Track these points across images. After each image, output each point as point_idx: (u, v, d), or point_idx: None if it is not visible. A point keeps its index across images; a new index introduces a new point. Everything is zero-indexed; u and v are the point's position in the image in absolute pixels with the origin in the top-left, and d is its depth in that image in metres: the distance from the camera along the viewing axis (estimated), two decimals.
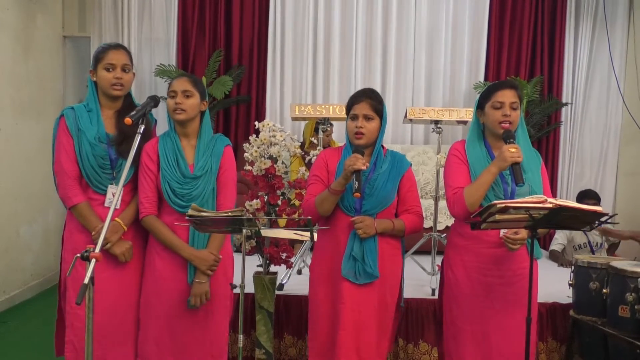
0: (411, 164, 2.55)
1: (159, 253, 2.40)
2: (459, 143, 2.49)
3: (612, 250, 4.62)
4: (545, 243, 5.14)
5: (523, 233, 2.26)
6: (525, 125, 5.42)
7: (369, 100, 2.41)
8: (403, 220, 2.46)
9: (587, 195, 4.55)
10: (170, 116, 2.41)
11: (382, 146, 2.52)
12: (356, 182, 2.27)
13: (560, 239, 4.59)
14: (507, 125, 2.32)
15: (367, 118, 2.40)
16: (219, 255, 2.39)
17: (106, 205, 2.36)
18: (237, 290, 2.20)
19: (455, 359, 2.45)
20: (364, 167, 2.28)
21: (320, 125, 4.01)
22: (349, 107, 2.47)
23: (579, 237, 4.50)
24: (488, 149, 2.41)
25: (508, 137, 2.30)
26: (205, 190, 2.38)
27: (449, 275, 2.47)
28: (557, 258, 4.50)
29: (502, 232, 2.33)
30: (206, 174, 2.39)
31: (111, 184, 2.38)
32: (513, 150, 2.23)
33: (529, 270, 2.16)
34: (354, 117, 2.42)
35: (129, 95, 2.49)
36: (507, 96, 2.32)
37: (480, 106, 2.42)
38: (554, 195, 5.50)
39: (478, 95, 2.46)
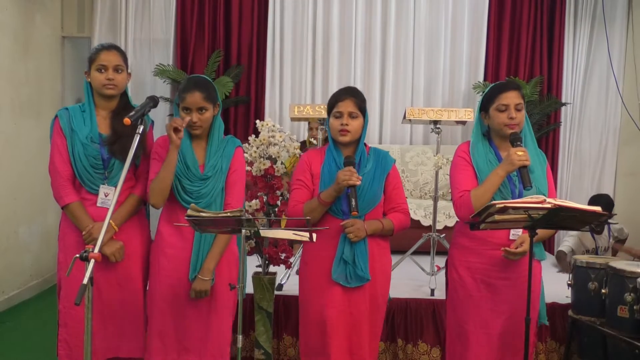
0: (395, 161, 2.53)
1: (164, 250, 2.41)
2: (465, 144, 2.47)
3: (614, 251, 4.60)
4: (551, 246, 5.13)
5: (526, 245, 2.25)
6: None
7: (353, 99, 2.41)
8: (391, 220, 2.44)
9: (596, 201, 4.47)
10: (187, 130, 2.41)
11: (365, 144, 2.51)
12: (353, 200, 2.26)
13: (570, 241, 4.50)
14: (515, 126, 2.32)
15: (351, 116, 2.39)
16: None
17: (98, 205, 2.36)
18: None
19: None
20: (358, 182, 2.28)
21: (320, 125, 4.01)
22: (331, 106, 2.45)
23: (588, 243, 4.46)
24: (495, 150, 2.40)
25: (515, 139, 2.29)
26: (215, 189, 2.40)
27: (453, 276, 2.46)
28: (561, 260, 4.44)
29: (512, 232, 2.33)
30: (216, 174, 2.40)
31: (103, 183, 2.38)
32: (520, 153, 2.22)
33: (528, 270, 2.15)
34: (339, 115, 2.40)
35: (124, 95, 2.49)
36: (511, 98, 2.32)
37: (483, 108, 2.41)
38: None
39: (480, 97, 2.45)
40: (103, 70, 2.38)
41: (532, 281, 2.31)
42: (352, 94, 2.43)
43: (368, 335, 2.43)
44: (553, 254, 4.87)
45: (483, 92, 2.48)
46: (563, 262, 4.43)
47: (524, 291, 2.32)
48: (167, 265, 2.41)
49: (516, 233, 2.33)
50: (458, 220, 2.52)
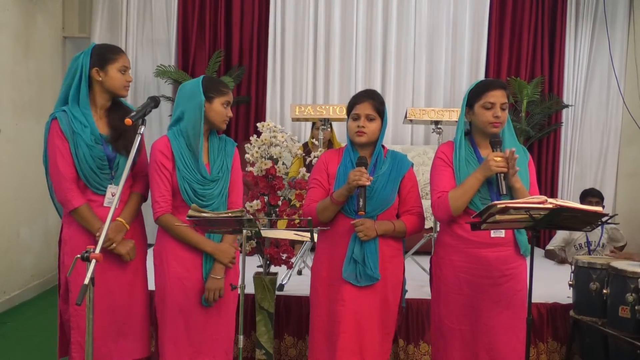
0: (412, 164, 2.55)
1: (175, 253, 2.37)
2: (445, 145, 2.47)
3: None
4: (546, 242, 5.14)
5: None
6: (526, 125, 5.43)
7: (371, 101, 2.43)
8: (404, 222, 2.46)
9: (590, 194, 4.55)
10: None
11: (383, 146, 2.53)
12: (361, 200, 2.28)
13: (558, 239, 4.58)
14: (498, 125, 2.31)
15: (369, 118, 2.42)
16: (238, 247, 2.40)
17: (105, 205, 2.36)
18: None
19: (443, 357, 2.44)
20: (368, 183, 2.29)
21: (321, 125, 4.01)
22: (350, 107, 2.48)
23: (578, 235, 4.49)
24: (474, 148, 2.40)
25: (495, 144, 2.29)
26: (224, 189, 2.42)
27: (437, 273, 2.47)
28: (554, 256, 4.50)
29: (493, 231, 2.31)
30: (224, 175, 2.43)
31: (110, 183, 2.38)
32: (498, 159, 2.22)
33: (530, 269, 2.15)
34: (356, 117, 2.43)
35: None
36: (497, 96, 2.31)
37: (469, 104, 2.40)
38: (554, 195, 5.51)
39: (466, 93, 2.44)
40: (125, 72, 2.41)
41: (519, 279, 2.35)
42: (370, 97, 2.45)
43: (379, 334, 2.44)
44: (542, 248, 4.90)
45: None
46: (556, 257, 4.46)
47: (507, 289, 2.34)
48: (178, 267, 2.37)
49: (498, 232, 2.33)
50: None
